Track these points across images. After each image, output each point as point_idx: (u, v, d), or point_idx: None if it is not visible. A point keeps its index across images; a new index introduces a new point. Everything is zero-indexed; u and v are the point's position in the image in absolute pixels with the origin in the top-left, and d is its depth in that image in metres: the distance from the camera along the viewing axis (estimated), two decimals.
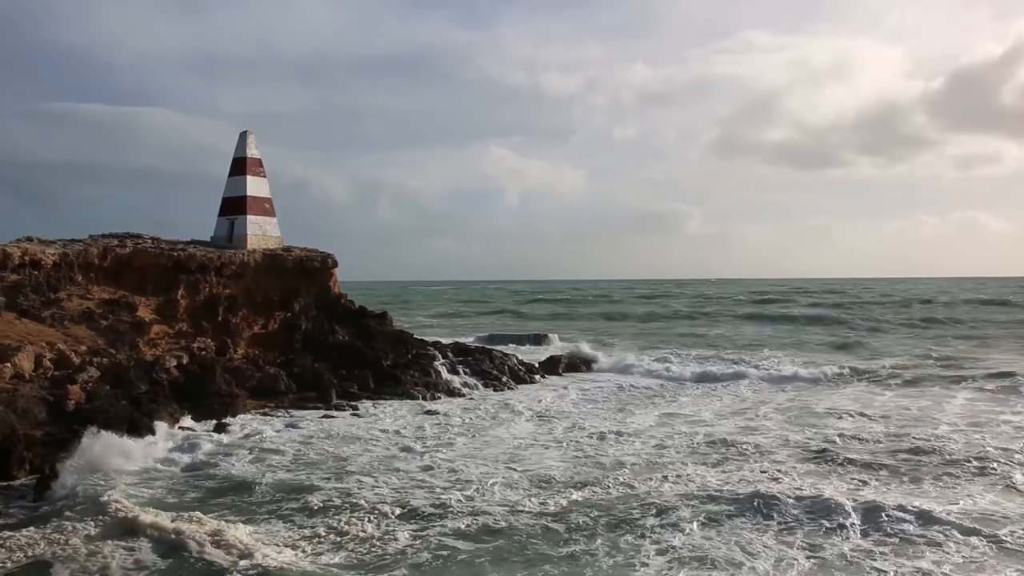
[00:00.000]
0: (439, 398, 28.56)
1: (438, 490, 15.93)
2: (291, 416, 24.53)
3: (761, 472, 16.98)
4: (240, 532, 13.07)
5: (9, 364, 20.93)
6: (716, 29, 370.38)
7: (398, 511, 14.55)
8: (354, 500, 15.18)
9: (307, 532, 13.46)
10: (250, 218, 33.42)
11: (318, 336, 31.71)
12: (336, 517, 14.17)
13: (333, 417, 24.47)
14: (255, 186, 34.11)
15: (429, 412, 25.38)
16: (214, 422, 22.89)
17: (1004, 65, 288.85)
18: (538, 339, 44.92)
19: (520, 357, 36.33)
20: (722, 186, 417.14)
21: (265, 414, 24.82)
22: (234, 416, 23.86)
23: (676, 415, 24.93)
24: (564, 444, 20.51)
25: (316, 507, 14.79)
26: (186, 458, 18.93)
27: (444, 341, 37.08)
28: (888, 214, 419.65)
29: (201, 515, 13.84)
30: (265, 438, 21.32)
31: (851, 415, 23.87)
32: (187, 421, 22.80)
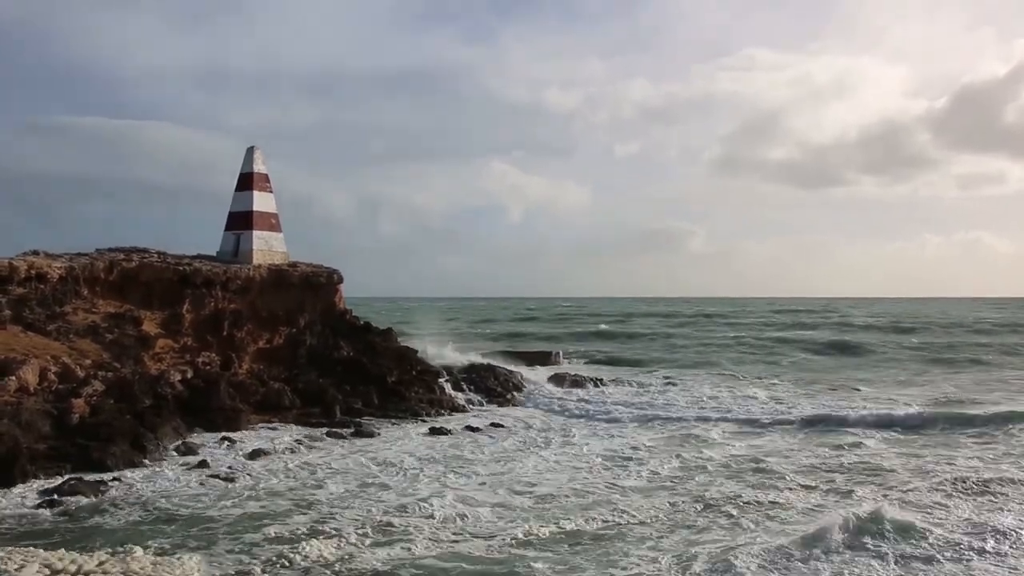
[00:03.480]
0: (443, 415, 28.43)
1: (421, 514, 15.44)
2: (292, 431, 24.34)
3: None
4: (189, 563, 12.24)
5: (14, 377, 20.89)
6: (719, 46, 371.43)
7: (372, 534, 14.05)
8: (328, 525, 14.53)
9: (265, 559, 12.73)
10: (256, 233, 33.44)
11: (323, 352, 31.64)
12: (301, 543, 13.41)
13: (332, 435, 24.13)
14: (261, 201, 34.17)
15: (432, 430, 25.21)
16: (204, 438, 22.77)
17: (1008, 85, 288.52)
18: (543, 357, 44.77)
19: (524, 374, 36.23)
20: (725, 204, 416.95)
21: (271, 428, 24.72)
22: (236, 431, 23.73)
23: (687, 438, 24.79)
24: (561, 467, 20.18)
25: (281, 534, 14.08)
26: (162, 480, 18.22)
27: (447, 358, 36.95)
28: (891, 233, 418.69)
29: (137, 548, 12.87)
30: (255, 459, 20.67)
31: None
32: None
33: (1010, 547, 13.37)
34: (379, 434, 24.61)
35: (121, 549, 12.85)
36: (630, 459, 21.04)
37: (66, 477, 17.74)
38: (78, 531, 14.41)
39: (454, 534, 14.35)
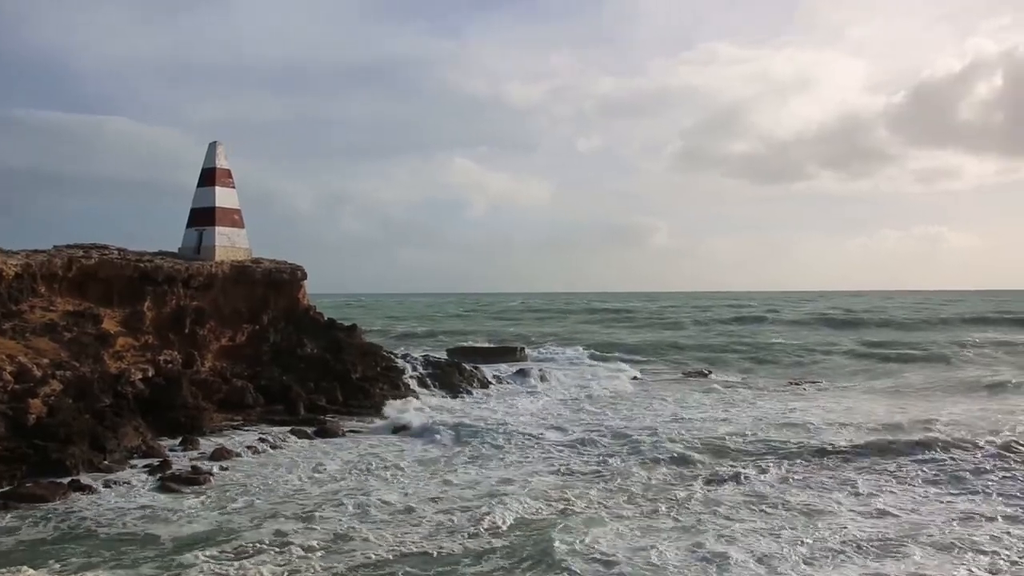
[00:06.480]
0: (407, 412, 28.43)
1: (382, 518, 15.40)
2: (255, 430, 24.20)
3: None
4: None
5: None
6: (680, 40, 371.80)
7: (326, 543, 13.83)
8: (284, 539, 14.04)
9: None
10: (219, 229, 33.19)
11: (286, 349, 31.51)
12: (244, 561, 12.89)
13: (296, 434, 23.91)
14: (224, 197, 33.91)
15: (396, 428, 25.27)
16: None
17: (963, 81, 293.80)
18: (509, 352, 44.97)
19: (489, 371, 36.40)
20: (687, 199, 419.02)
21: (234, 427, 24.60)
22: (199, 430, 23.48)
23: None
24: (523, 463, 20.44)
25: (226, 550, 13.52)
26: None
27: (414, 354, 37.05)
28: (852, 228, 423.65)
29: (29, 569, 12.18)
30: (216, 460, 20.34)
31: None
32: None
33: None
34: (343, 433, 24.60)
35: (16, 569, 12.13)
36: (588, 449, 21.64)
37: (21, 480, 17.55)
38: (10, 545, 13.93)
39: (427, 535, 14.37)
